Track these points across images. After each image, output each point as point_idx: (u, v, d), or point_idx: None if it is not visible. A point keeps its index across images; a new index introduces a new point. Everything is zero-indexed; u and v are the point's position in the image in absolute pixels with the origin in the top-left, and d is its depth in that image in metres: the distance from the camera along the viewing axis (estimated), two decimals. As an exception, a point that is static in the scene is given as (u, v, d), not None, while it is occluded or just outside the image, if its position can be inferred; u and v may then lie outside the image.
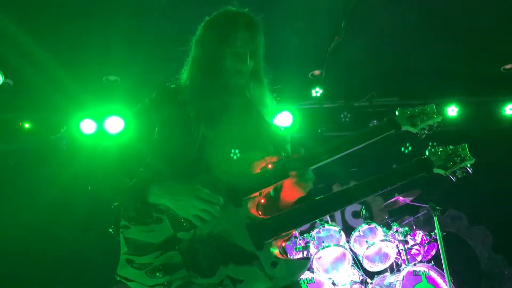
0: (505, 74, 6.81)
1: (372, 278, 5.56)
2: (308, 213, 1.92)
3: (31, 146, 6.65)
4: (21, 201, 6.11)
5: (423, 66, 6.41)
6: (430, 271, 5.21)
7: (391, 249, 5.70)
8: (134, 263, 1.72)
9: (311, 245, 5.49)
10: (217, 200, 1.75)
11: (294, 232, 4.31)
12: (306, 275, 5.17)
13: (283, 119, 6.54)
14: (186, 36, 2.16)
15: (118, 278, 1.74)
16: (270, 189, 2.01)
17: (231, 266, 1.70)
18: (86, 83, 6.06)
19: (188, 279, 1.68)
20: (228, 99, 2.06)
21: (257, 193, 1.91)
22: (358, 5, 4.90)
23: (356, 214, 7.20)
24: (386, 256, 5.77)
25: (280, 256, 1.81)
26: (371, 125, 6.80)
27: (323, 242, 5.48)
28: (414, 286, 5.10)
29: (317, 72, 6.50)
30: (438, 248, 5.24)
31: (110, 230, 1.83)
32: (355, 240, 5.77)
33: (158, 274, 1.69)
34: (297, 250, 5.50)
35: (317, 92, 6.71)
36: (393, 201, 5.99)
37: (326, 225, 5.72)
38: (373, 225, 5.79)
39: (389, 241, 5.62)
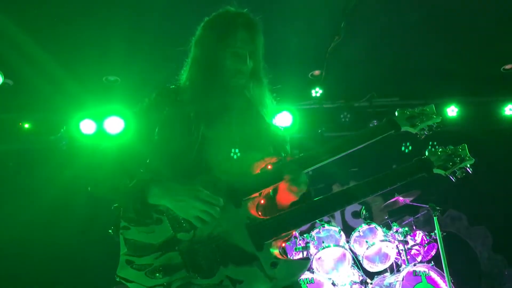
0: (505, 74, 6.81)
1: (372, 279, 5.56)
2: (308, 214, 1.92)
3: (30, 146, 6.66)
4: (20, 202, 6.10)
5: (423, 66, 6.41)
6: (430, 271, 5.21)
7: (391, 249, 5.70)
8: (134, 264, 1.72)
9: (311, 245, 5.49)
10: (217, 201, 1.76)
11: (294, 233, 4.32)
12: (306, 275, 5.17)
13: (283, 119, 6.54)
14: (186, 36, 2.16)
15: (118, 279, 1.73)
16: (269, 190, 2.01)
17: (231, 266, 1.70)
18: (86, 83, 6.06)
19: (188, 279, 1.68)
20: (228, 99, 2.06)
21: (257, 194, 1.91)
22: (358, 5, 4.90)
23: (356, 214, 7.20)
24: (386, 256, 5.77)
25: (280, 256, 1.81)
26: (371, 125, 6.81)
27: (323, 242, 5.48)
28: (414, 286, 5.10)
29: (317, 72, 6.50)
30: (438, 249, 5.24)
31: (110, 231, 1.83)
32: (355, 240, 5.77)
33: (158, 274, 1.69)
34: (297, 250, 5.50)
35: (317, 92, 6.71)
36: (393, 201, 5.99)
37: (326, 225, 5.72)
38: (373, 225, 5.79)
39: (389, 241, 5.62)
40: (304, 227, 6.06)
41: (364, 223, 5.83)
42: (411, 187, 5.83)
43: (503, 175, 7.00)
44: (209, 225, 1.75)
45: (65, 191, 5.97)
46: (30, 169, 6.59)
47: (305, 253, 5.45)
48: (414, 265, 5.32)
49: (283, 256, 1.84)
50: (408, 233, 5.72)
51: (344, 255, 5.50)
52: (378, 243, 5.62)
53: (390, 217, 6.37)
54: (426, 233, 5.78)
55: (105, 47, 5.48)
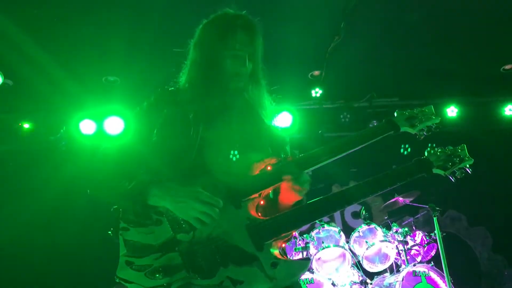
0: (505, 75, 6.81)
1: (371, 279, 5.56)
2: (307, 214, 1.93)
3: (30, 146, 6.65)
4: (20, 202, 6.09)
5: (423, 66, 6.41)
6: (429, 271, 5.21)
7: (390, 250, 5.70)
8: (133, 264, 1.72)
9: (310, 245, 5.49)
10: (216, 203, 1.76)
11: (293, 233, 4.32)
12: (306, 275, 5.17)
13: (283, 120, 6.53)
14: (186, 36, 2.16)
15: (117, 280, 1.73)
16: (269, 191, 2.01)
17: (231, 267, 1.70)
18: (86, 84, 6.06)
19: (188, 280, 1.68)
20: (227, 101, 2.06)
21: (256, 195, 1.91)
22: (358, 5, 4.89)
23: (355, 215, 7.20)
24: (385, 256, 5.77)
25: (280, 256, 1.82)
26: (370, 125, 6.81)
27: (322, 242, 5.48)
28: (414, 286, 5.10)
29: (316, 73, 6.50)
30: (437, 249, 5.24)
31: (109, 232, 1.83)
32: (354, 241, 5.77)
33: (158, 275, 1.69)
34: (297, 250, 5.49)
35: (316, 92, 6.70)
36: (393, 201, 5.99)
37: (326, 225, 5.72)
38: (372, 225, 5.79)
39: (389, 241, 5.62)
40: (304, 228, 6.06)
41: (364, 223, 5.83)
42: (411, 187, 5.83)
43: (503, 175, 7.00)
44: (209, 226, 1.76)
45: (64, 191, 5.97)
46: (30, 170, 6.58)
47: (304, 253, 5.45)
48: (414, 265, 5.32)
49: (283, 257, 1.84)
50: (408, 233, 5.71)
51: (344, 255, 5.50)
52: (378, 244, 5.62)
53: (389, 218, 6.37)
54: (426, 234, 5.78)
55: (105, 47, 5.49)
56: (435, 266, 5.29)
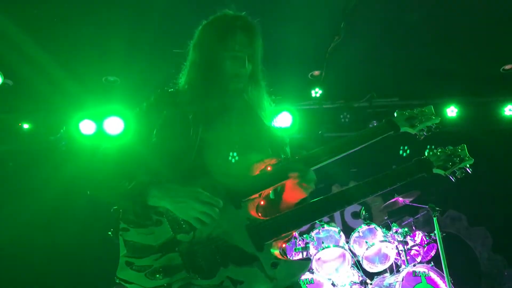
0: (504, 75, 6.81)
1: (371, 279, 5.56)
2: (308, 214, 1.93)
3: (30, 146, 6.64)
4: (20, 202, 6.09)
5: (423, 66, 6.41)
6: (429, 271, 5.20)
7: (390, 250, 5.70)
8: (133, 265, 1.72)
9: (310, 245, 5.49)
10: (216, 203, 1.76)
11: (294, 233, 4.31)
12: (306, 276, 5.17)
13: (283, 120, 6.53)
14: (186, 36, 2.16)
15: (117, 281, 1.73)
16: (269, 191, 2.02)
17: (231, 267, 1.70)
18: (86, 84, 6.06)
19: (188, 280, 1.68)
20: (226, 102, 2.06)
21: (256, 195, 1.91)
22: (358, 5, 4.90)
23: (355, 215, 7.20)
24: (385, 256, 5.77)
25: (280, 257, 1.82)
26: (370, 125, 6.81)
27: (322, 242, 5.48)
28: (414, 286, 5.10)
29: (316, 73, 6.49)
30: (437, 249, 5.24)
31: (109, 233, 1.83)
32: (354, 241, 5.77)
33: (158, 276, 1.69)
34: (297, 251, 5.49)
35: (316, 92, 6.70)
36: (393, 201, 5.98)
37: (325, 225, 5.72)
38: (372, 225, 5.79)
39: (389, 241, 5.62)
40: (303, 228, 6.05)
41: (363, 223, 5.83)
42: (411, 187, 5.83)
43: (503, 175, 7.00)
44: (209, 226, 1.76)
45: (64, 191, 5.96)
46: (30, 170, 6.58)
47: (304, 253, 5.45)
48: (414, 265, 5.32)
49: (283, 257, 1.84)
50: (408, 233, 5.71)
51: (343, 255, 5.50)
52: (378, 244, 5.61)
53: (389, 218, 6.37)
54: (426, 234, 5.78)
55: (105, 47, 5.48)
56: (435, 266, 5.29)
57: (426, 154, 2.13)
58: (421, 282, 5.12)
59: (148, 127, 2.00)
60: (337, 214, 7.34)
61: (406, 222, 6.28)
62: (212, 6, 2.14)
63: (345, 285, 5.32)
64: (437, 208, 5.36)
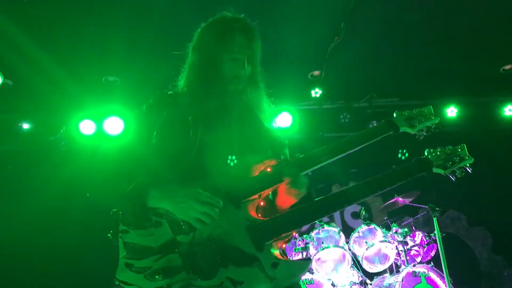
0: (504, 75, 6.81)
1: (371, 279, 5.55)
2: (307, 214, 1.93)
3: (30, 146, 6.64)
4: (19, 202, 6.09)
5: (423, 66, 6.40)
6: (429, 272, 5.20)
7: (390, 250, 5.70)
8: (133, 266, 1.72)
9: (310, 246, 5.48)
10: (216, 203, 1.76)
11: (294, 233, 4.31)
12: (306, 276, 5.16)
13: (283, 120, 6.53)
14: (186, 37, 2.16)
15: (117, 282, 1.74)
16: (269, 192, 2.02)
17: (232, 267, 1.70)
18: (86, 84, 6.05)
19: (188, 281, 1.69)
20: (226, 103, 2.06)
21: (256, 196, 1.91)
22: (358, 5, 4.90)
23: (355, 215, 7.20)
24: (385, 257, 5.77)
25: (280, 257, 1.82)
26: (370, 126, 6.81)
27: (322, 243, 5.48)
28: (414, 287, 5.10)
29: (316, 73, 6.49)
30: (437, 249, 5.23)
31: (109, 235, 1.83)
32: (354, 241, 5.77)
33: (157, 277, 1.69)
34: (297, 251, 5.49)
35: (316, 92, 6.70)
36: (393, 202, 5.98)
37: (325, 226, 5.71)
38: (372, 226, 5.79)
39: (389, 242, 5.62)
40: (303, 228, 6.06)
41: (363, 223, 5.83)
42: (411, 187, 5.83)
43: (503, 175, 7.00)
44: (209, 227, 1.76)
45: (64, 191, 5.95)
46: (30, 170, 6.58)
47: (304, 253, 5.45)
48: (414, 265, 5.31)
49: (283, 257, 1.84)
50: (408, 233, 5.71)
51: (343, 255, 5.50)
52: (378, 244, 5.61)
53: (389, 218, 6.37)
54: (426, 234, 5.77)
55: (105, 47, 5.48)
56: (435, 267, 5.29)
57: (426, 153, 2.14)
58: (421, 283, 5.12)
59: (147, 129, 2.00)
60: (337, 214, 7.33)
61: (406, 222, 6.28)
62: (212, 6, 2.14)
63: (345, 285, 5.32)
64: (437, 208, 5.35)
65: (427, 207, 5.49)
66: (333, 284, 5.25)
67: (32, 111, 6.61)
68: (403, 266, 5.43)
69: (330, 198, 1.99)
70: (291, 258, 4.48)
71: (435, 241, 5.47)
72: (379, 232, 5.73)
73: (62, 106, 6.45)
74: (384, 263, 5.75)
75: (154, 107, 2.05)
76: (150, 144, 1.97)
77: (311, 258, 5.35)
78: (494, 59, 6.45)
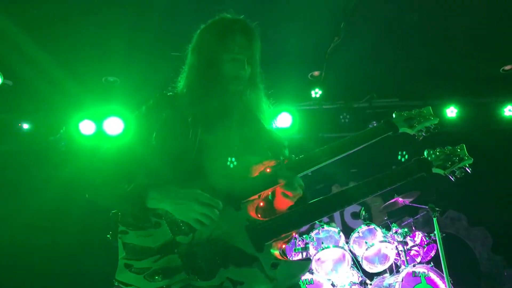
0: (504, 75, 6.81)
1: (371, 279, 5.55)
2: (307, 214, 1.92)
3: (30, 146, 6.64)
4: (20, 202, 6.09)
5: (423, 66, 6.41)
6: (429, 272, 5.20)
7: (390, 250, 5.70)
8: (132, 267, 1.72)
9: (310, 246, 5.48)
10: (216, 204, 1.76)
11: (294, 234, 4.30)
12: (305, 276, 5.16)
13: (283, 120, 6.53)
14: (186, 37, 2.16)
15: (116, 283, 1.73)
16: (269, 192, 2.01)
17: (231, 268, 1.70)
18: (86, 84, 6.06)
19: (187, 282, 1.68)
20: (226, 103, 2.06)
21: (256, 196, 1.91)
22: (358, 5, 4.90)
23: (355, 215, 7.20)
24: (385, 257, 5.77)
25: (280, 257, 1.82)
26: (370, 126, 6.81)
27: (322, 243, 5.48)
28: (414, 287, 5.10)
29: (316, 73, 6.49)
30: (437, 249, 5.23)
31: (108, 236, 1.83)
32: (354, 241, 5.77)
33: (157, 277, 1.69)
34: (296, 251, 5.49)
35: (316, 93, 6.71)
36: (393, 202, 5.98)
37: (325, 226, 5.71)
38: (372, 226, 5.79)
39: (389, 242, 5.62)
40: (303, 228, 6.06)
41: (363, 224, 5.83)
42: (411, 187, 5.83)
43: (503, 175, 7.00)
44: (208, 228, 1.76)
45: (64, 191, 5.95)
46: (30, 170, 6.57)
47: (304, 254, 5.45)
48: (414, 266, 5.31)
49: (283, 257, 1.84)
50: (408, 234, 5.71)
51: (343, 256, 5.50)
52: (378, 244, 5.61)
53: (389, 218, 6.37)
54: (426, 234, 5.77)
55: (105, 47, 5.48)
56: (435, 267, 5.29)
57: (425, 154, 2.14)
58: (421, 283, 5.12)
59: (147, 130, 1.99)
60: (336, 215, 7.33)
61: (406, 222, 6.27)
62: (212, 6, 2.14)
63: (344, 285, 5.32)
64: (437, 209, 5.35)
65: (427, 207, 5.49)
66: (333, 284, 5.25)
67: (32, 111, 6.61)
68: (403, 266, 5.43)
69: (330, 199, 1.99)
70: (291, 259, 4.48)
71: (435, 241, 5.47)
72: (379, 232, 5.73)
73: (62, 106, 6.45)
74: (384, 263, 5.75)
75: (153, 108, 2.05)
76: (150, 145, 1.96)
77: (311, 258, 5.35)
78: (494, 59, 6.45)
